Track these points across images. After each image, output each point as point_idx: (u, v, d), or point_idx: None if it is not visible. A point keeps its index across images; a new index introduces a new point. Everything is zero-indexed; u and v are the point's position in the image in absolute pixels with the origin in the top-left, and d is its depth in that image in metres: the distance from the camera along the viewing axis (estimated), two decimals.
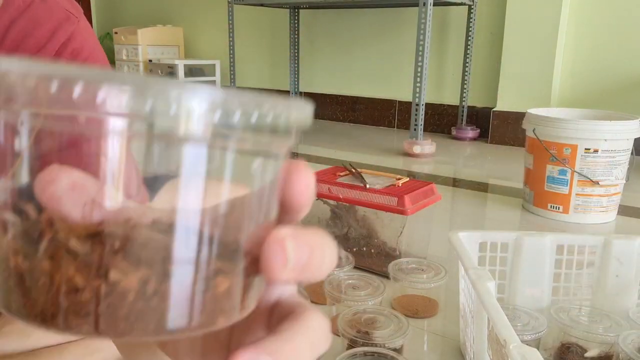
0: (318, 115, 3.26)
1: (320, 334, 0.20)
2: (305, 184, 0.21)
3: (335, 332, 0.72)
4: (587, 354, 0.71)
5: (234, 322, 0.20)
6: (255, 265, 0.20)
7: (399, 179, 1.08)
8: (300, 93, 3.32)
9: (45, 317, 0.17)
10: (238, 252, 0.19)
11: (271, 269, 0.19)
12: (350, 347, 0.69)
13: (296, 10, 3.20)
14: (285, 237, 0.19)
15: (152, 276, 0.17)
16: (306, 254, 0.20)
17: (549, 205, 1.39)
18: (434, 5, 2.23)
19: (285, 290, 0.23)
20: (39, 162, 0.17)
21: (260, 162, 0.19)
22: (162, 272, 0.17)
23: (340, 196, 1.05)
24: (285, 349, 0.19)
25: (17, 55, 0.44)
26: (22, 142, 0.17)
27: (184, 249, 0.18)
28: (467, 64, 2.64)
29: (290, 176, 0.21)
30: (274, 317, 0.22)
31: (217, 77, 3.59)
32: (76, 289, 0.17)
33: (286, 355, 0.18)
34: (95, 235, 0.17)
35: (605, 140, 1.30)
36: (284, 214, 0.21)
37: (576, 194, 1.34)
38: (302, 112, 0.19)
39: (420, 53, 2.24)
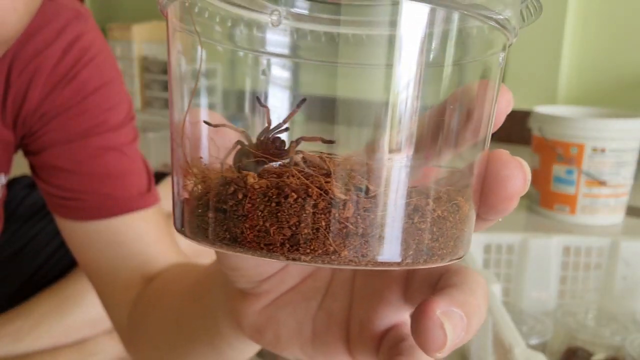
0: (316, 114, 3.24)
1: (488, 292, 0.19)
2: (507, 100, 0.19)
3: None
4: (593, 358, 0.70)
5: (463, 256, 0.17)
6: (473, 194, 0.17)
7: None
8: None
9: (296, 244, 0.13)
10: (471, 172, 0.17)
11: (508, 193, 0.17)
12: None
13: None
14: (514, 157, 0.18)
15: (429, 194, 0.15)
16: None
17: (556, 206, 1.37)
18: None
19: None
20: None
21: (504, 57, 0.17)
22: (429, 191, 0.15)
23: None
24: (471, 302, 0.17)
25: (21, 54, 0.44)
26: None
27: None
28: None
29: None
30: (414, 282, 0.20)
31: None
32: (335, 205, 0.13)
33: (472, 309, 0.17)
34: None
35: (613, 139, 1.28)
36: None
37: (583, 195, 1.33)
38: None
39: None
